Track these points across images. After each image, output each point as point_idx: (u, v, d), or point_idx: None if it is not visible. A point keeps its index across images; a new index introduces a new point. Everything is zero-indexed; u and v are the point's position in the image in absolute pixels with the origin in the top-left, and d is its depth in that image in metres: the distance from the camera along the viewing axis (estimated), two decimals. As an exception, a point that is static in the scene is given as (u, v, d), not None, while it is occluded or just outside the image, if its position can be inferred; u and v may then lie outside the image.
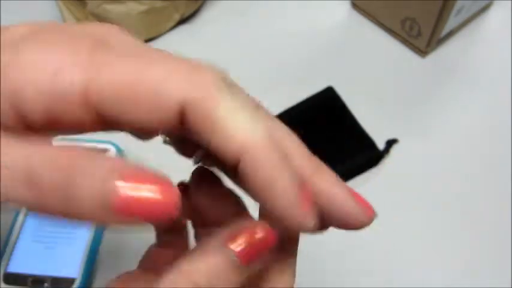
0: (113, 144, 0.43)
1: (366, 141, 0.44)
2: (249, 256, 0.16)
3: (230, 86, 0.15)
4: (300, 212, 0.15)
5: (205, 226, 0.21)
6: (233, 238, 0.16)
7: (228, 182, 0.20)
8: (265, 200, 0.15)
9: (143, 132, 0.17)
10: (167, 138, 0.20)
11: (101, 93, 0.13)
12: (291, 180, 0.15)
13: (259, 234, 0.16)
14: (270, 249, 0.16)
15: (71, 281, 0.39)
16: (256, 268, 0.17)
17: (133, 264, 0.22)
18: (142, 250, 0.24)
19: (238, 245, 0.16)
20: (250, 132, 0.14)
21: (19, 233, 0.41)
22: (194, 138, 0.15)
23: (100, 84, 0.14)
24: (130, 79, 0.14)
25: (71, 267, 0.39)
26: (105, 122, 0.14)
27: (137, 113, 0.14)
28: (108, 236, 0.42)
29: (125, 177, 0.12)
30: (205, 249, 0.16)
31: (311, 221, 0.15)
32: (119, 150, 0.44)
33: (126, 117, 0.14)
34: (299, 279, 0.39)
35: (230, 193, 0.21)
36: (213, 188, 0.20)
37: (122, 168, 0.12)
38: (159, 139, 0.19)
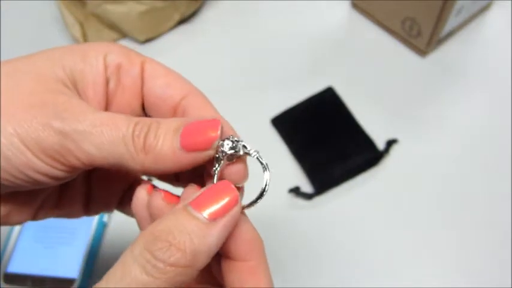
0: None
1: (366, 141, 0.44)
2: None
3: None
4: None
5: None
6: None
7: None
8: None
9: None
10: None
11: None
12: None
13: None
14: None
15: (71, 281, 0.39)
16: None
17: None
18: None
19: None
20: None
21: (19, 233, 0.41)
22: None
23: None
24: None
25: (71, 267, 0.39)
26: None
27: None
28: (108, 237, 0.42)
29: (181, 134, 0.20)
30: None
31: None
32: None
33: None
34: (298, 279, 0.39)
35: None
36: None
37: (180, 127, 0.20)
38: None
